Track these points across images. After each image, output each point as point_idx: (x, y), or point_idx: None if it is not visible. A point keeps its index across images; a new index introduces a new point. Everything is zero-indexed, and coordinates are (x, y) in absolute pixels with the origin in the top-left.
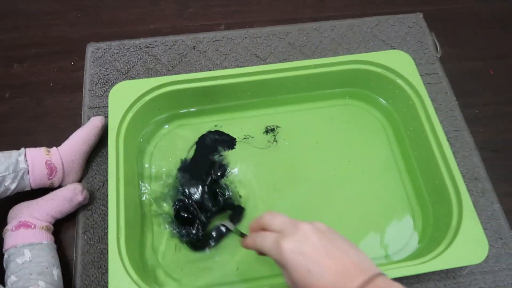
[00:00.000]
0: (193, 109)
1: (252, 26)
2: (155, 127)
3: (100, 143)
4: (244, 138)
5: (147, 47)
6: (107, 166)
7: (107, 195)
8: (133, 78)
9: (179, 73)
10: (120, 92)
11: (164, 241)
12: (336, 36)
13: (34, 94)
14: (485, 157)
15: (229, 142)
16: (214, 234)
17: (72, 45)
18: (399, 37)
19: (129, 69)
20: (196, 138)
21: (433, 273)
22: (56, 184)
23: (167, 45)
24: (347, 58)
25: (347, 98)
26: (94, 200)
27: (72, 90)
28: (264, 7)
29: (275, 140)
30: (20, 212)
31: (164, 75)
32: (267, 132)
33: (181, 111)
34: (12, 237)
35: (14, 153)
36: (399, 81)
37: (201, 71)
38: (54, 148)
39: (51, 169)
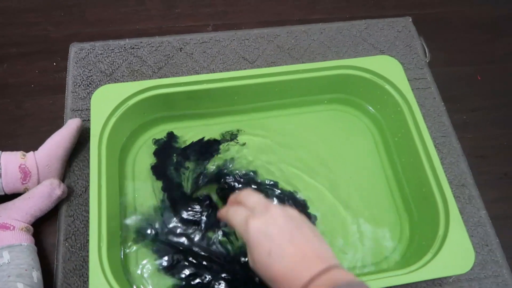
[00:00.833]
0: (178, 114)
1: (240, 28)
2: (140, 132)
3: (83, 147)
4: (228, 142)
5: (133, 48)
6: (89, 171)
7: (89, 201)
8: (118, 80)
9: (165, 75)
10: (103, 96)
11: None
12: (325, 39)
13: (14, 96)
14: (472, 163)
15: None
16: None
17: (54, 45)
18: (388, 41)
19: (113, 71)
20: (182, 144)
21: (418, 281)
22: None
23: (153, 46)
24: (335, 63)
25: (335, 103)
26: (76, 207)
27: (54, 92)
28: (253, 8)
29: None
30: None
31: (150, 77)
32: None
33: (167, 115)
34: None
35: None
36: (387, 87)
37: (188, 73)
38: (31, 152)
39: (25, 173)
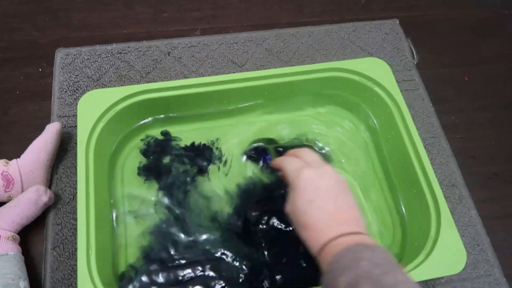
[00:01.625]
0: (167, 118)
1: (228, 32)
2: (128, 138)
3: (70, 154)
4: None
5: (120, 53)
6: (77, 178)
7: (77, 209)
8: (105, 85)
9: (153, 80)
10: (90, 101)
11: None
12: (314, 42)
13: None
14: (462, 164)
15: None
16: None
17: (40, 50)
18: (376, 43)
19: (100, 76)
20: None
21: None
22: (14, 196)
23: (140, 51)
24: (324, 66)
25: (324, 105)
26: (64, 214)
27: (40, 98)
28: (241, 12)
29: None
30: None
31: (138, 82)
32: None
33: (155, 120)
34: None
35: None
36: (376, 89)
37: (176, 77)
38: (14, 159)
39: (8, 181)
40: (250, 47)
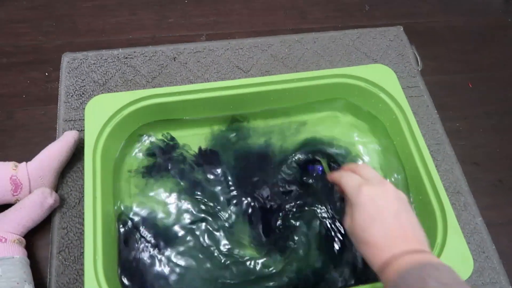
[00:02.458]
0: (173, 123)
1: (233, 37)
2: (135, 142)
3: (76, 157)
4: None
5: (126, 57)
6: (83, 183)
7: (83, 212)
8: (111, 90)
9: (159, 85)
10: (97, 106)
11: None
12: (318, 48)
13: (5, 107)
14: (467, 170)
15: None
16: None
17: (46, 55)
18: (381, 50)
19: (106, 81)
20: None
21: None
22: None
23: (146, 56)
24: (330, 72)
25: (330, 111)
26: (70, 218)
27: (46, 102)
28: (245, 18)
29: None
30: None
31: (144, 86)
32: None
33: (162, 124)
34: None
35: None
36: (382, 95)
37: (182, 82)
38: (24, 163)
39: (16, 185)
40: (255, 53)
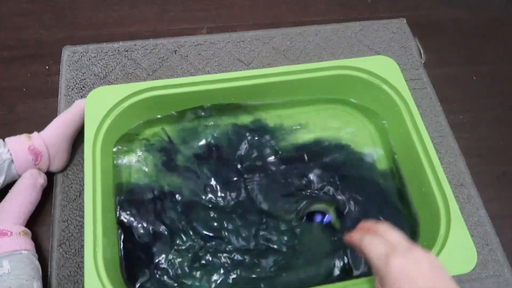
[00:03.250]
0: (174, 115)
1: (235, 30)
2: (135, 135)
3: (76, 151)
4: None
5: (126, 51)
6: (83, 176)
7: (84, 205)
8: (112, 83)
9: (160, 78)
10: (96, 98)
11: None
12: (321, 41)
13: (6, 100)
14: (470, 163)
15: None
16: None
17: (46, 48)
18: (384, 42)
19: (107, 74)
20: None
21: None
22: (44, 169)
23: (147, 49)
24: (332, 64)
25: (332, 103)
26: (70, 211)
27: (46, 96)
28: (246, 11)
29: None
30: None
31: (144, 80)
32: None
33: (162, 117)
34: None
35: None
36: (384, 87)
37: (183, 76)
38: (35, 133)
39: (36, 154)
40: (257, 46)
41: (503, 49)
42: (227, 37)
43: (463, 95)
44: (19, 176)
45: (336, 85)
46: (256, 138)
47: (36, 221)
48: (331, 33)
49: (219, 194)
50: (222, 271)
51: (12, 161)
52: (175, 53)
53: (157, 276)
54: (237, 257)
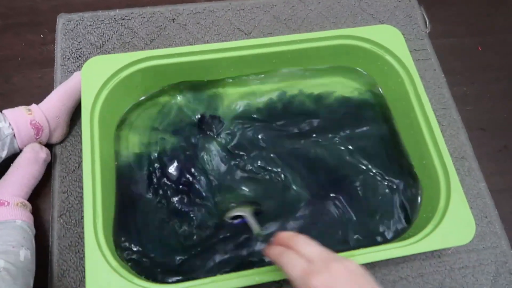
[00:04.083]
0: (173, 87)
1: None
2: (133, 105)
3: (74, 122)
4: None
5: (123, 19)
6: (82, 147)
7: (83, 177)
8: (108, 53)
9: (158, 47)
10: (93, 68)
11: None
12: (323, 9)
13: (2, 70)
14: (472, 136)
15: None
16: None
17: (41, 16)
18: (388, 11)
19: (103, 43)
20: (177, 117)
21: (419, 253)
22: (44, 142)
23: (144, 17)
24: (334, 33)
25: (334, 75)
26: (70, 183)
27: (42, 66)
28: None
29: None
30: None
31: (142, 49)
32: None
33: (160, 88)
34: None
35: None
36: (388, 57)
37: (181, 45)
38: (34, 105)
39: (37, 129)
40: (257, 14)
41: (510, 20)
42: (227, 5)
43: (468, 67)
44: (21, 150)
45: (339, 55)
46: None
47: (36, 192)
48: (334, 1)
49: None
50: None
51: (14, 135)
52: (173, 22)
53: (156, 244)
54: None
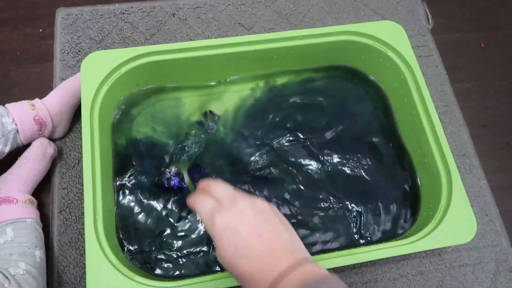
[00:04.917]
0: (173, 83)
1: None
2: (132, 101)
3: (74, 118)
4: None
5: (123, 13)
6: (81, 143)
7: (82, 173)
8: (108, 47)
9: (158, 42)
10: (93, 63)
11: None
12: (325, 4)
13: (0, 64)
14: (474, 133)
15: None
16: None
17: (40, 10)
18: (390, 6)
19: (103, 38)
20: (176, 114)
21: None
22: (46, 137)
23: (144, 12)
24: (336, 29)
25: (336, 71)
26: (70, 179)
27: (41, 60)
28: None
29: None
30: None
31: (142, 44)
32: None
33: (160, 84)
34: None
35: None
36: (390, 54)
37: (182, 40)
38: (38, 100)
39: (41, 124)
40: (259, 9)
41: None
42: None
43: (471, 63)
44: (23, 144)
45: (341, 51)
46: None
47: (36, 188)
48: None
49: None
50: None
51: (17, 131)
52: (174, 16)
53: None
54: None
